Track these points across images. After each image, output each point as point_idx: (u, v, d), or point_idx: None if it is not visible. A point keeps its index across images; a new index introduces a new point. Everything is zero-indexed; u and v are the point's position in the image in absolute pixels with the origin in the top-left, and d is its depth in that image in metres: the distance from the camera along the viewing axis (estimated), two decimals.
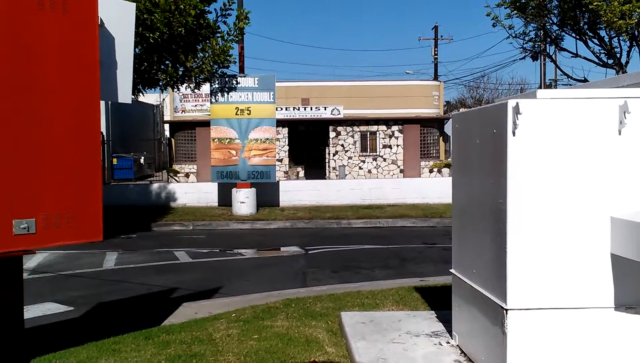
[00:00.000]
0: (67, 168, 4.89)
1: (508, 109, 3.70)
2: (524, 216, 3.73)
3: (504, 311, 3.76)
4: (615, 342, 3.78)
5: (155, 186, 20.85)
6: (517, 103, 3.67)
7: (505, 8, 18.77)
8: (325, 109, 28.16)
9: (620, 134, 3.74)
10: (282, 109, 26.80)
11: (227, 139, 17.96)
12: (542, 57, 24.14)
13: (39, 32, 4.70)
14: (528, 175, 3.73)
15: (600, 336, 3.77)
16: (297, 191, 20.17)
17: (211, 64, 15.35)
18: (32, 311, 7.08)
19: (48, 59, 4.78)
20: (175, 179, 26.53)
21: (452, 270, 4.97)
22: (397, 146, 28.85)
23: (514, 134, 3.71)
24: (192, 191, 20.28)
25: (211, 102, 18.08)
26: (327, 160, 29.18)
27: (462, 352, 4.66)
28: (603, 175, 3.75)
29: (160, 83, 15.11)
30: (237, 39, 16.13)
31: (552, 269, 3.74)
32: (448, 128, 20.54)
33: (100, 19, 5.23)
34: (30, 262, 10.61)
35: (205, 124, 22.02)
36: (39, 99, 4.72)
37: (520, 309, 3.74)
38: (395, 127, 28.79)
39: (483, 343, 4.18)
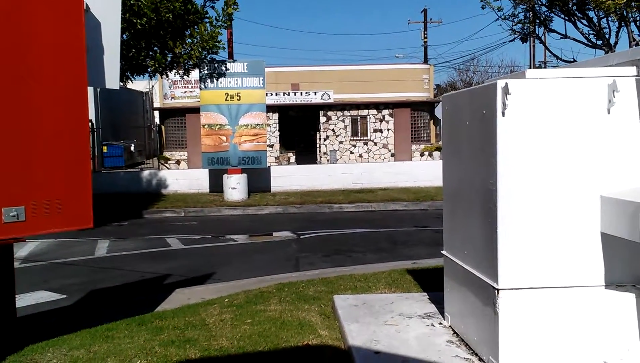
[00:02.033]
0: (56, 155, 4.85)
1: (497, 89, 3.70)
2: (514, 197, 3.74)
3: (496, 291, 3.78)
4: (606, 319, 3.81)
5: (145, 173, 20.76)
6: (506, 83, 3.66)
7: None
8: (315, 94, 28.08)
9: (609, 113, 3.75)
10: (272, 94, 26.71)
11: (217, 125, 17.89)
12: (531, 39, 24.11)
13: (23, 17, 4.64)
14: (518, 156, 3.73)
15: (592, 314, 3.81)
16: (289, 176, 20.15)
17: (200, 50, 15.24)
18: (24, 300, 7.06)
19: (33, 44, 4.71)
20: (166, 166, 26.44)
21: (443, 252, 4.99)
22: (388, 130, 28.86)
23: (503, 114, 3.70)
24: (183, 177, 20.22)
25: (201, 89, 17.98)
26: (318, 145, 29.15)
27: (455, 332, 4.69)
28: (592, 154, 3.76)
29: (149, 70, 14.98)
30: (225, 24, 16.02)
31: (543, 248, 3.76)
32: (438, 111, 20.49)
33: (86, 3, 5.17)
34: (22, 251, 10.57)
35: (195, 110, 21.92)
36: (25, 86, 4.66)
37: (512, 289, 3.76)
38: (385, 111, 28.78)
39: (475, 323, 4.21)
